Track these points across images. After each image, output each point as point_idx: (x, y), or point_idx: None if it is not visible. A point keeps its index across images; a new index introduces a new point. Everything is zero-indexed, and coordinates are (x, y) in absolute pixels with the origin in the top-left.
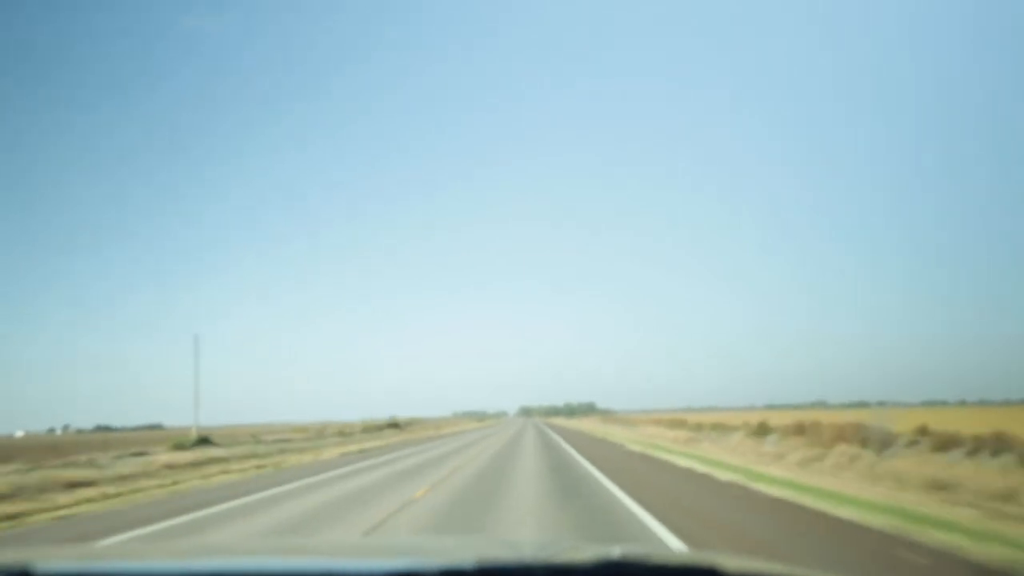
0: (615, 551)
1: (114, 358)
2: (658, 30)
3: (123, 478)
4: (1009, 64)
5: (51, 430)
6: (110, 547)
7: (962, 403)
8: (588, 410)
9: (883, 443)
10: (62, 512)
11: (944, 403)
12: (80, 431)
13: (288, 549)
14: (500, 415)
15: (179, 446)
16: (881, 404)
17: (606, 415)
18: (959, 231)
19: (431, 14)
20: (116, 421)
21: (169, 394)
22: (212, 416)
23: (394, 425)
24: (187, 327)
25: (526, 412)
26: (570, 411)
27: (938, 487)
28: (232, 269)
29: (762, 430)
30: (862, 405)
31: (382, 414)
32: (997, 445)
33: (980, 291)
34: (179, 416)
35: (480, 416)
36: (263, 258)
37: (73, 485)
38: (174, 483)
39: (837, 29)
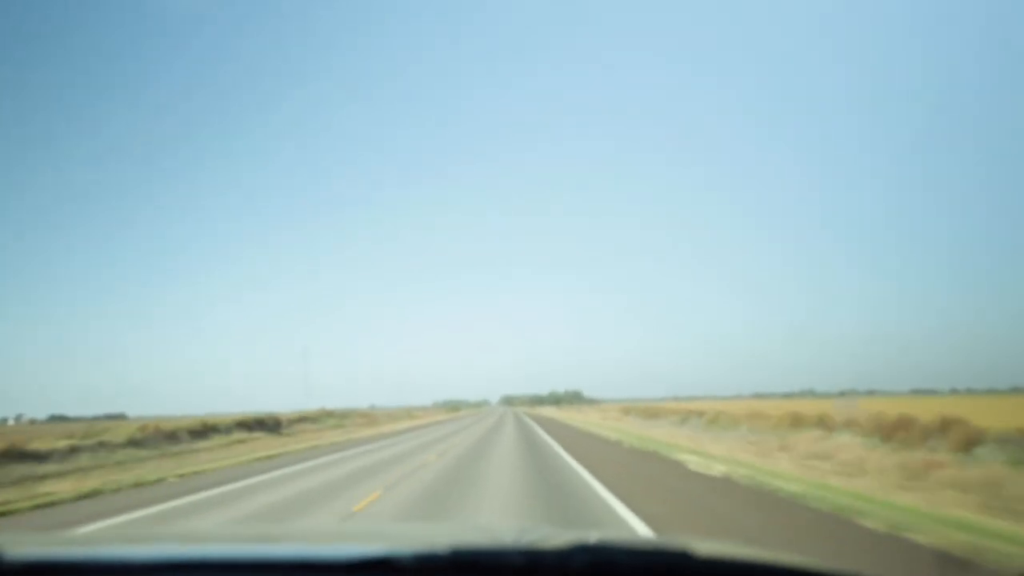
0: (590, 536)
1: (71, 346)
2: (662, 30)
3: None
4: (1002, 63)
5: (3, 420)
6: (83, 535)
7: (953, 391)
8: (574, 399)
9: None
10: None
11: (934, 392)
12: (33, 421)
13: (264, 536)
14: (481, 404)
15: None
16: (870, 392)
17: (609, 405)
18: (948, 223)
19: (430, 9)
20: (72, 410)
21: (132, 383)
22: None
23: (263, 424)
24: (151, 315)
25: (508, 401)
26: (555, 400)
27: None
28: (197, 258)
29: None
30: (852, 393)
31: (362, 404)
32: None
33: (971, 282)
34: (144, 405)
35: (455, 406)
36: (231, 247)
37: None
38: None
39: (836, 29)
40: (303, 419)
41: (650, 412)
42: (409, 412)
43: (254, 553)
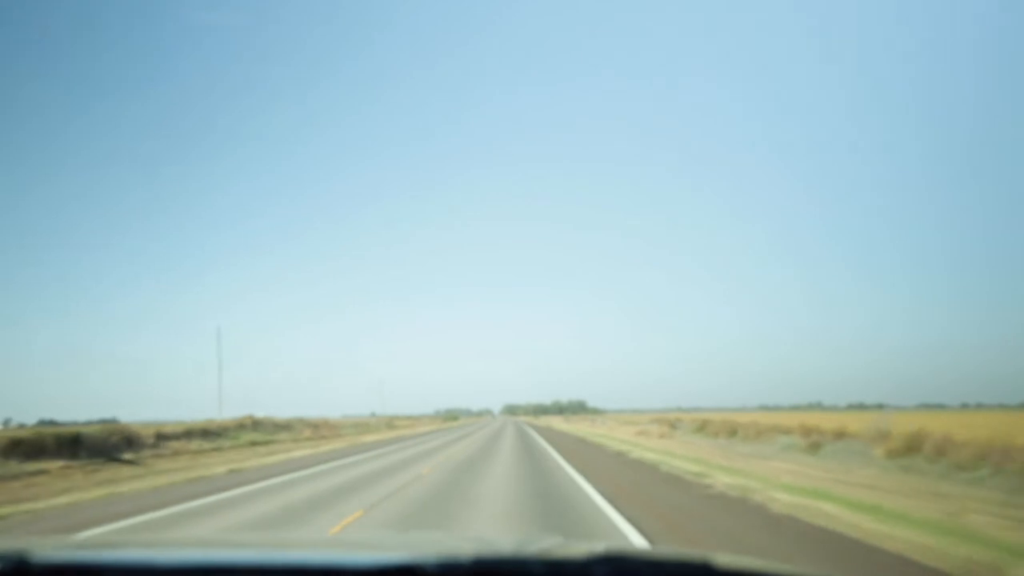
0: (599, 546)
1: (63, 349)
2: (657, 31)
3: None
4: (1008, 65)
5: None
6: (99, 537)
7: (963, 406)
8: (578, 408)
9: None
10: None
11: (943, 407)
12: (23, 426)
13: (283, 543)
14: (483, 413)
15: None
16: (880, 407)
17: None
18: (959, 233)
19: (431, 10)
20: (62, 415)
21: (128, 388)
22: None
23: (82, 444)
24: (148, 317)
25: (511, 410)
26: (559, 409)
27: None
28: (195, 259)
29: None
30: (860, 407)
31: (362, 411)
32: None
33: (982, 295)
34: (140, 411)
35: (455, 415)
36: (230, 248)
37: None
38: None
39: (837, 29)
40: (204, 432)
41: (721, 428)
42: (389, 422)
43: (279, 559)
